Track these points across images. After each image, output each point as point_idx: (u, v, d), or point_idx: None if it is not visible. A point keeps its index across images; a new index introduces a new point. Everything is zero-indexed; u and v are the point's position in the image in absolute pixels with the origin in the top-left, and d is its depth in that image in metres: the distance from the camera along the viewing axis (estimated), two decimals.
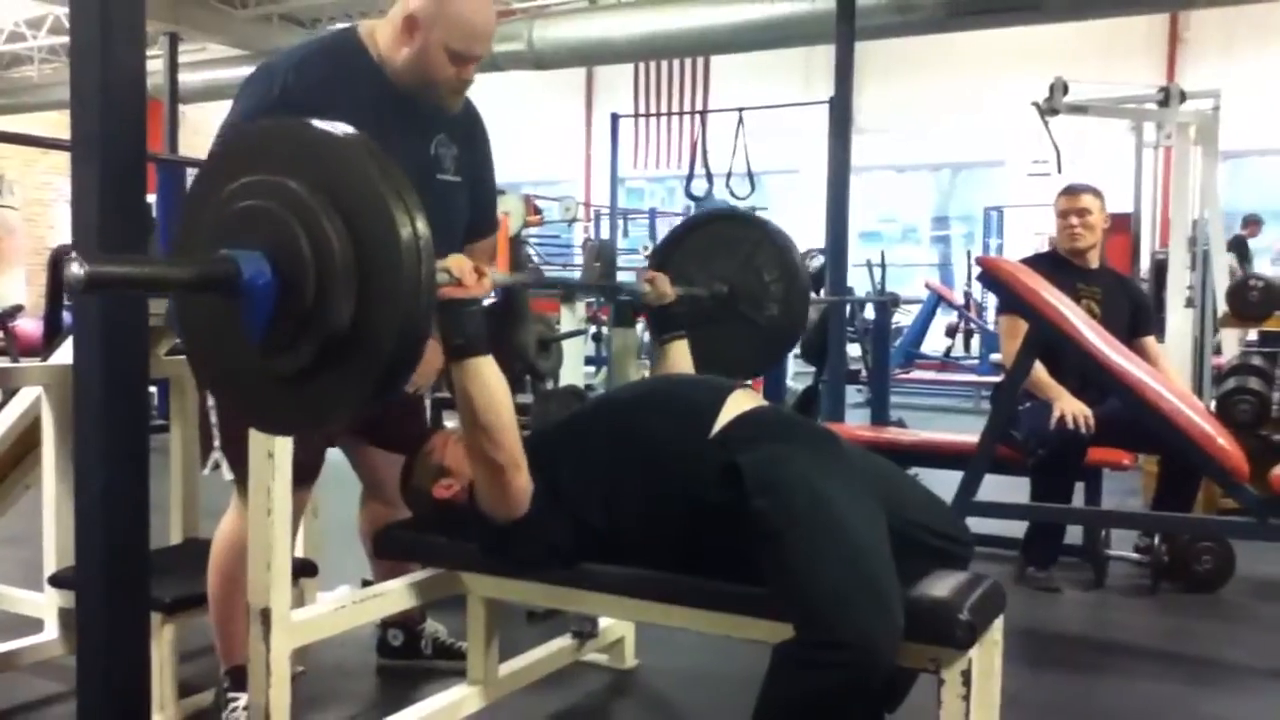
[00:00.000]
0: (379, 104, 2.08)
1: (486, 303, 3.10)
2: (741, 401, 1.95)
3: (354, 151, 1.46)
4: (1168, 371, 3.62)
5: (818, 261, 6.76)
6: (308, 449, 2.24)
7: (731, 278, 2.64)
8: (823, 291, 6.30)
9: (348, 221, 1.41)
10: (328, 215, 1.40)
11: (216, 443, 2.18)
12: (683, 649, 2.81)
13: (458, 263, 1.76)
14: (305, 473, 2.26)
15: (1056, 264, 3.76)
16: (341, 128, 1.49)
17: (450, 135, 2.23)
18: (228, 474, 2.17)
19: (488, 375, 1.79)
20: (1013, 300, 3.19)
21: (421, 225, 1.42)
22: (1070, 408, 3.29)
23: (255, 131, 1.60)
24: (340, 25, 11.73)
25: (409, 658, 2.68)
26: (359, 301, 1.41)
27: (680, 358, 2.43)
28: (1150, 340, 3.78)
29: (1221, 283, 5.31)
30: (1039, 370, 3.35)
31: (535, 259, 9.20)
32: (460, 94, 2.17)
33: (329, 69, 2.08)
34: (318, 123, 1.51)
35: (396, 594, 2.26)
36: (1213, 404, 3.98)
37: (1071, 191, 3.82)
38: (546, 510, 1.90)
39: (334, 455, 2.39)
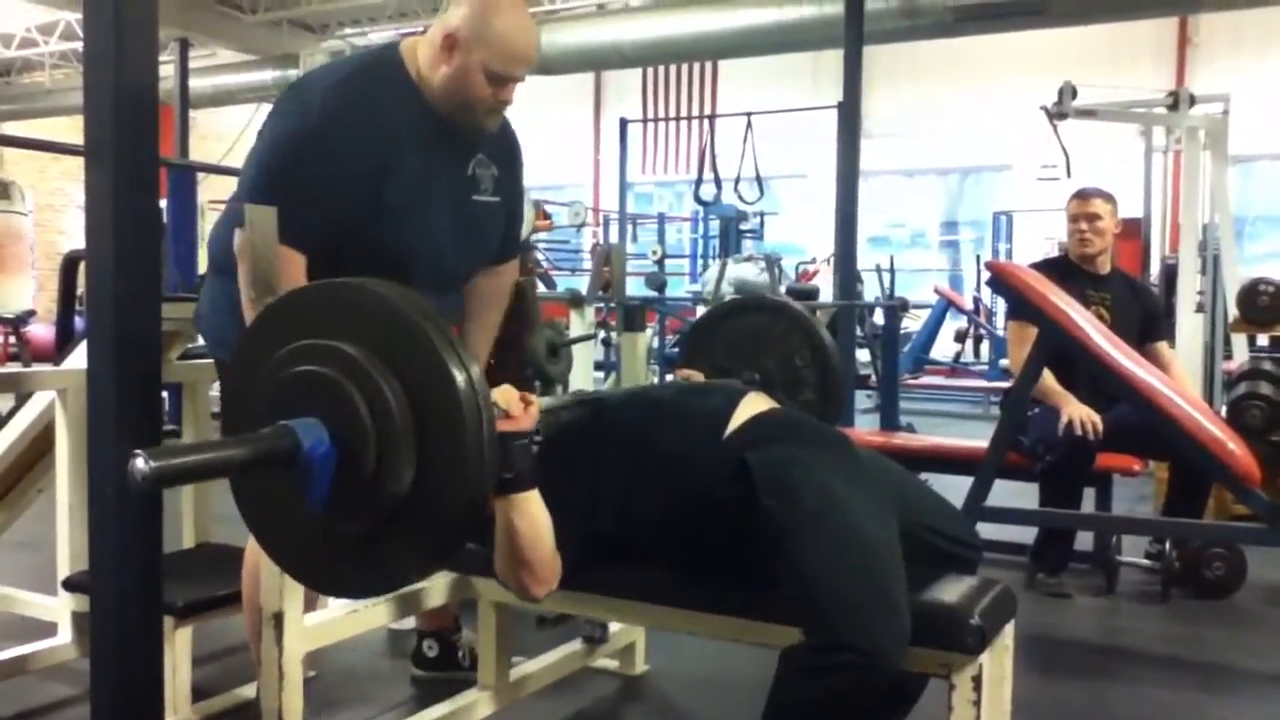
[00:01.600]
0: (418, 124, 2.06)
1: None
2: (755, 404, 1.95)
3: (406, 310, 1.43)
4: (1179, 377, 3.62)
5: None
6: None
7: (764, 366, 2.62)
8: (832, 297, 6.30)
9: (404, 382, 1.39)
10: (385, 380, 1.38)
11: None
12: (693, 654, 2.81)
13: (504, 396, 1.69)
14: None
15: (1067, 269, 3.75)
16: (393, 287, 1.47)
17: (489, 155, 2.20)
18: None
19: (535, 511, 1.73)
20: (1022, 305, 3.19)
21: (477, 375, 1.39)
22: (1078, 413, 3.28)
23: (303, 294, 1.58)
24: (348, 32, 11.74)
25: (446, 669, 2.65)
26: (421, 468, 1.38)
27: None
28: (1162, 345, 3.77)
29: (1232, 287, 5.30)
30: (1047, 377, 3.35)
31: (544, 264, 9.22)
32: (498, 114, 2.13)
33: (366, 90, 2.04)
34: (367, 282, 1.48)
35: (408, 598, 2.27)
36: (1223, 409, 3.97)
37: (1082, 196, 3.80)
38: (564, 531, 1.87)
39: None
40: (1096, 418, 3.28)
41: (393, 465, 1.38)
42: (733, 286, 7.57)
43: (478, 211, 2.18)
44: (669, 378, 3.48)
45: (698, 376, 2.40)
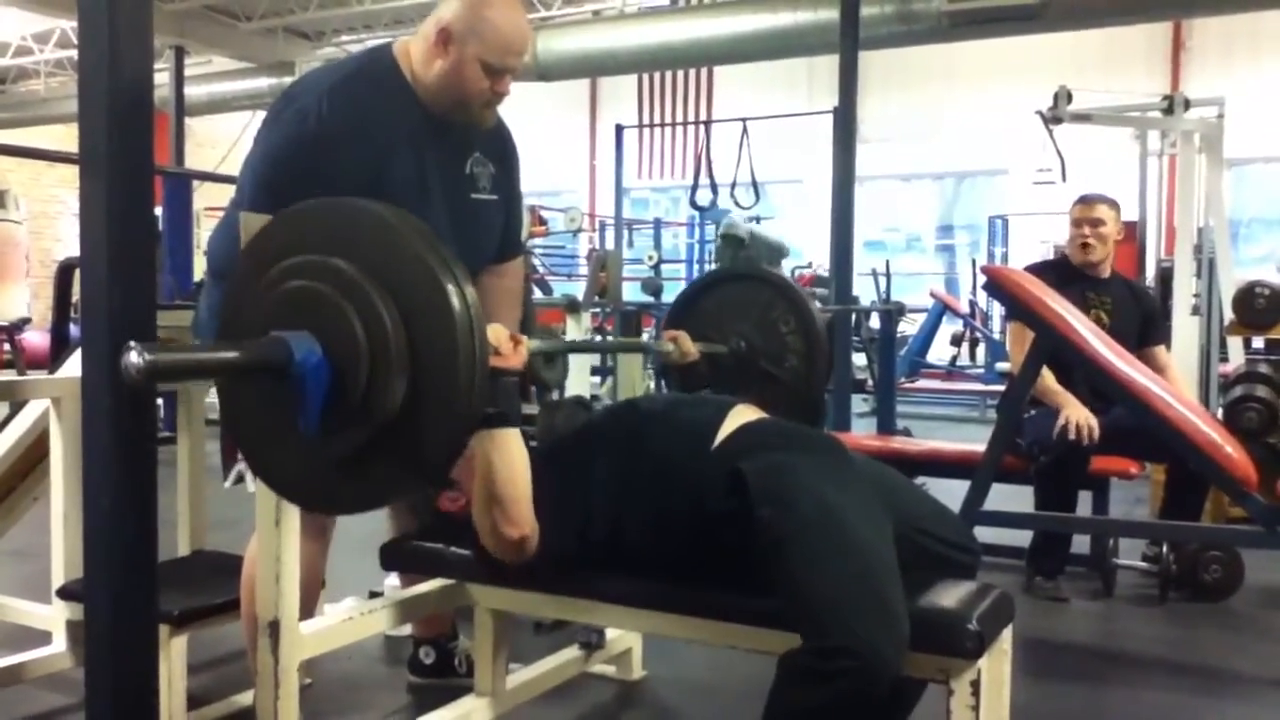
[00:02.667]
0: (414, 125, 2.07)
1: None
2: (744, 414, 1.96)
3: (403, 230, 1.43)
4: (1176, 380, 3.62)
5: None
6: None
7: (749, 334, 2.65)
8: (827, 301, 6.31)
9: (399, 301, 1.38)
10: (380, 296, 1.37)
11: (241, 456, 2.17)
12: (690, 660, 2.80)
13: (496, 333, 1.73)
14: None
15: (1065, 272, 3.74)
16: (389, 208, 1.47)
17: (485, 154, 2.21)
18: (252, 486, 2.16)
19: (514, 449, 1.77)
20: (1018, 309, 3.18)
21: (473, 298, 1.38)
22: (1076, 415, 3.27)
23: (300, 211, 1.58)
24: (344, 39, 11.75)
25: (442, 676, 2.65)
26: (412, 387, 1.38)
27: None
28: (1160, 350, 3.76)
29: (1228, 290, 5.30)
30: (1047, 377, 3.34)
31: (540, 270, 9.22)
32: (493, 107, 2.14)
33: (361, 93, 2.05)
34: (364, 201, 1.48)
35: (403, 605, 2.26)
36: (1220, 412, 3.97)
37: (1086, 201, 3.77)
38: (550, 535, 1.88)
39: None
40: (1094, 421, 3.27)
41: (384, 383, 1.37)
42: None
43: (476, 210, 2.19)
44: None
45: (685, 338, 2.43)
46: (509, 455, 1.76)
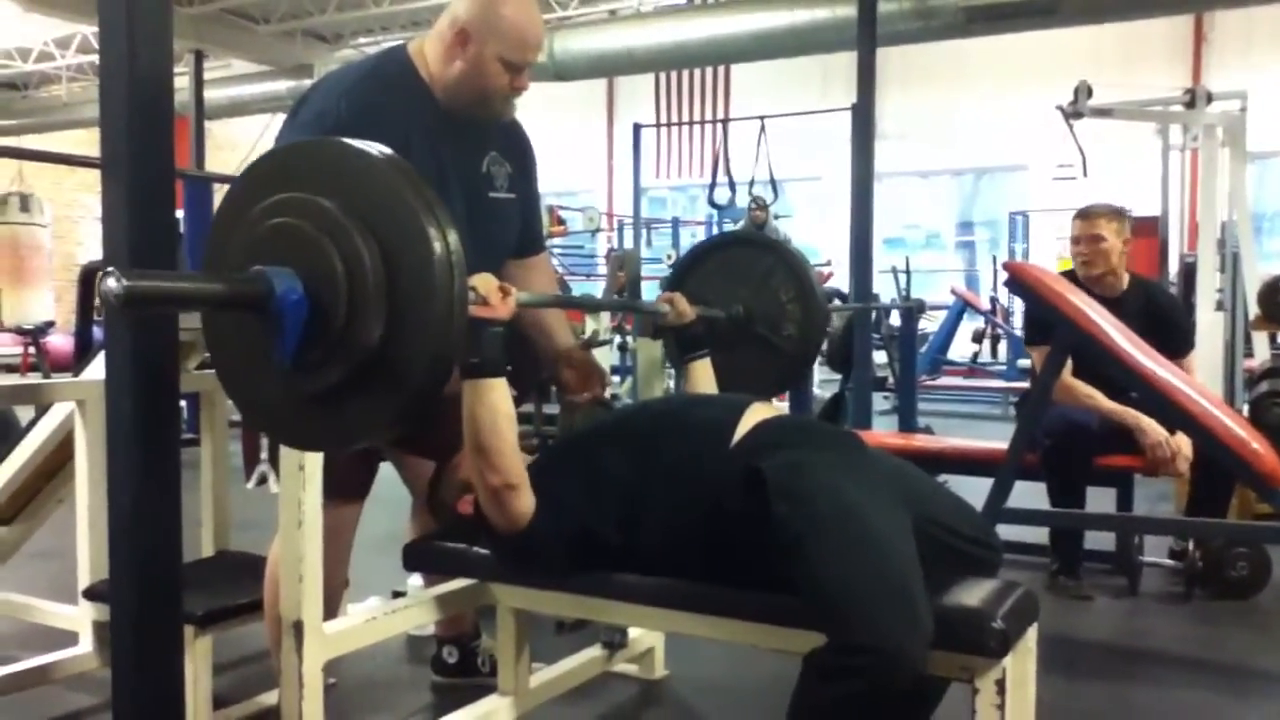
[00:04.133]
0: (431, 124, 2.09)
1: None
2: (760, 412, 1.96)
3: (387, 170, 1.44)
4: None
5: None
6: (359, 465, 2.25)
7: (748, 300, 2.65)
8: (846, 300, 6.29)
9: (380, 241, 1.40)
10: (360, 233, 1.40)
11: (264, 455, 2.18)
12: (711, 659, 2.80)
13: (484, 282, 1.77)
14: (357, 489, 2.27)
15: (1076, 287, 3.60)
16: (374, 147, 1.49)
17: (502, 152, 2.22)
18: (275, 487, 2.18)
19: (497, 398, 1.80)
20: (1040, 305, 3.16)
21: (454, 241, 1.41)
22: (1161, 436, 3.21)
23: (286, 150, 1.60)
24: (361, 41, 11.78)
25: (465, 675, 2.66)
26: (390, 324, 1.40)
27: (705, 375, 2.43)
28: (1185, 362, 3.52)
29: (1252, 285, 5.26)
30: (1083, 386, 3.32)
31: (559, 270, 9.23)
32: (511, 102, 2.16)
33: (379, 93, 2.06)
34: (350, 141, 1.50)
35: (426, 605, 2.27)
36: (1245, 408, 3.93)
37: (1085, 216, 3.64)
38: (553, 522, 1.90)
39: None
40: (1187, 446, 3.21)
41: (363, 318, 1.39)
42: None
43: (494, 208, 2.20)
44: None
45: (681, 299, 2.44)
46: (491, 405, 1.79)
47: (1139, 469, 3.40)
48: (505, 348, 1.82)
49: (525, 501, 1.87)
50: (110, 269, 1.29)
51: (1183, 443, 3.21)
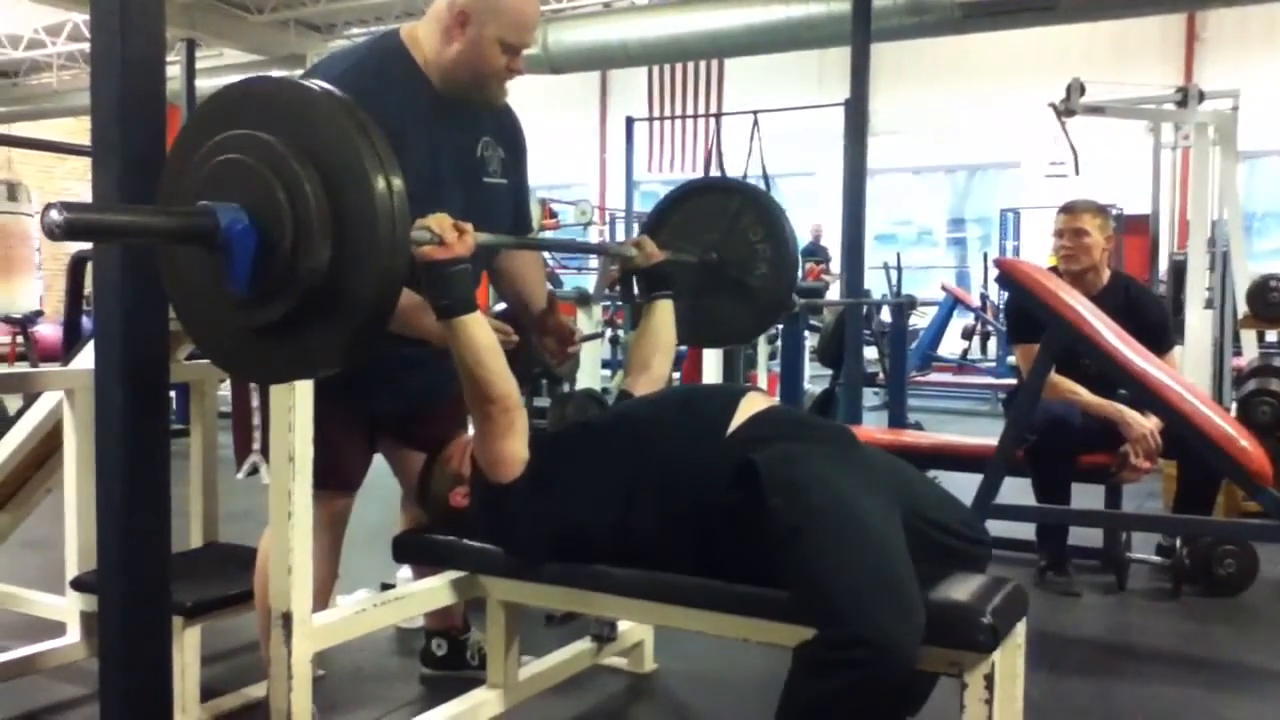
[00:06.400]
0: (426, 109, 2.09)
1: (499, 308, 3.12)
2: (755, 403, 1.96)
3: (331, 108, 1.50)
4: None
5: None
6: (353, 455, 2.24)
7: (719, 245, 2.69)
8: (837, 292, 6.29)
9: (323, 174, 1.46)
10: (302, 166, 1.45)
11: (256, 445, 2.18)
12: (702, 652, 2.80)
13: (439, 221, 1.80)
14: (348, 479, 2.26)
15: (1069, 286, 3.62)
16: (315, 84, 1.55)
17: (495, 137, 2.24)
18: (266, 478, 2.17)
19: (474, 332, 1.85)
20: (1030, 301, 3.16)
21: (396, 180, 1.47)
22: (1140, 425, 3.21)
23: (234, 91, 1.63)
24: (355, 31, 11.74)
25: (454, 668, 2.66)
26: (336, 252, 1.45)
27: (664, 316, 2.43)
28: (1168, 357, 3.55)
29: (1241, 284, 5.28)
30: (1066, 381, 3.33)
31: (551, 263, 9.21)
32: (504, 86, 2.17)
33: (373, 78, 2.05)
34: (296, 80, 1.56)
35: (415, 597, 2.26)
36: (1234, 406, 3.95)
37: (1069, 210, 3.64)
38: (539, 499, 1.94)
39: None
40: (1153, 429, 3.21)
41: (308, 245, 1.45)
42: None
43: (488, 194, 2.21)
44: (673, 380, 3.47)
45: (648, 241, 2.48)
46: (469, 339, 1.84)
47: (1111, 467, 3.37)
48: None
49: (520, 440, 1.92)
50: (52, 203, 1.32)
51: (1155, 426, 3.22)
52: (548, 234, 9.21)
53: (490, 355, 1.86)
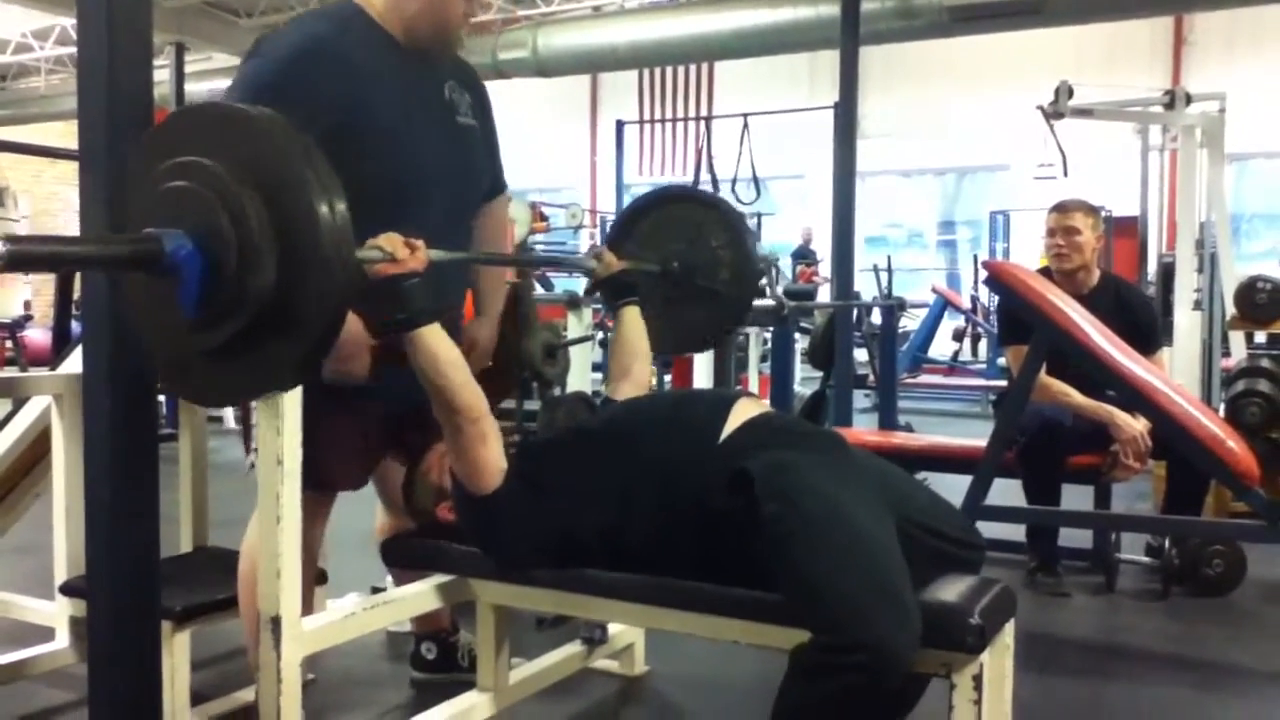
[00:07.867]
0: (388, 59, 2.11)
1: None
2: (747, 409, 1.96)
3: (264, 125, 1.52)
4: None
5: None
6: (338, 457, 2.21)
7: (683, 253, 2.73)
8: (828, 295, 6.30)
9: (264, 195, 1.48)
10: (244, 190, 1.47)
11: (255, 444, 2.16)
12: (692, 655, 2.80)
13: (389, 239, 1.81)
14: (331, 481, 2.24)
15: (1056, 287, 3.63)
16: (255, 108, 1.56)
17: (458, 82, 2.25)
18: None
19: (433, 344, 1.86)
20: (1019, 303, 3.18)
21: (339, 204, 1.49)
22: (1130, 427, 3.24)
23: (177, 117, 1.66)
24: None
25: (444, 671, 2.65)
26: (281, 273, 1.47)
27: (634, 323, 2.47)
28: (1153, 359, 3.55)
29: (1229, 285, 5.30)
30: (1057, 383, 3.34)
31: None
32: (462, 35, 2.21)
33: (329, 33, 2.06)
34: (238, 105, 1.58)
35: (406, 601, 2.26)
36: (1222, 407, 3.96)
37: (1061, 209, 3.66)
38: (525, 504, 1.95)
39: None
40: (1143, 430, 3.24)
41: (254, 265, 1.47)
42: None
43: (463, 134, 2.22)
44: (664, 382, 3.47)
45: (608, 253, 2.53)
46: (430, 352, 1.85)
47: (1102, 467, 3.40)
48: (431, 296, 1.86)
49: (493, 448, 1.93)
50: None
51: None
52: (537, 237, 9.21)
53: (451, 368, 1.88)
